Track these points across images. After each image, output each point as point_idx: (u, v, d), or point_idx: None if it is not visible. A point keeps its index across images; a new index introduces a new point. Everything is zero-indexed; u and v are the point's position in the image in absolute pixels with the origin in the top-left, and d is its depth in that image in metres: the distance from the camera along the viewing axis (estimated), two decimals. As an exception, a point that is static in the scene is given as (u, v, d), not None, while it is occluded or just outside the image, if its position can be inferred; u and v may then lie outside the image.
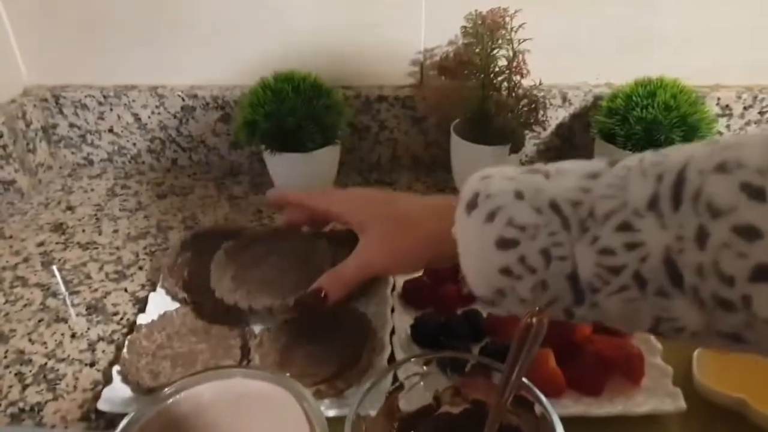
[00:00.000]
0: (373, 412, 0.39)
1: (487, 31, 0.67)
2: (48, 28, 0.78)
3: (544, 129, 0.73)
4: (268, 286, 0.54)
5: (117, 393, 0.47)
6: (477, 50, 0.68)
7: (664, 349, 0.49)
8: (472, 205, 0.35)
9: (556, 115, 0.79)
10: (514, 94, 0.70)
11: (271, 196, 0.58)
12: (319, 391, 0.46)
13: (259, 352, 0.50)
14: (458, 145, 0.73)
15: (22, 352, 0.54)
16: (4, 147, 0.75)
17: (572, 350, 0.48)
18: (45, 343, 0.55)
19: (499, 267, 0.34)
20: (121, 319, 0.58)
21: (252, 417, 0.37)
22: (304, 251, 0.57)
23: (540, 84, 0.70)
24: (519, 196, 0.33)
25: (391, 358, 0.50)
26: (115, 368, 0.49)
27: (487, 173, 0.37)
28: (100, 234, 0.71)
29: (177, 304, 0.56)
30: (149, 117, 0.82)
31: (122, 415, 0.37)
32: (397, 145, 0.82)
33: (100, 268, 0.65)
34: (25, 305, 0.60)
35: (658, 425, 0.46)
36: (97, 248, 0.68)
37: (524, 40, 0.67)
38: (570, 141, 0.80)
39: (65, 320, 0.58)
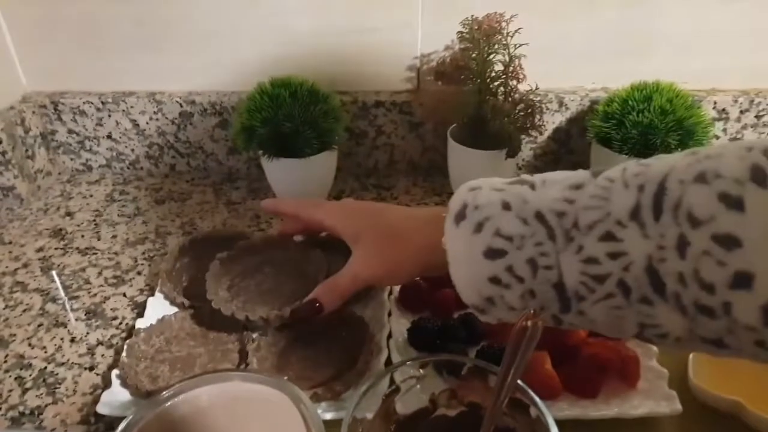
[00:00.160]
0: (369, 415, 0.39)
1: (483, 36, 0.68)
2: (46, 35, 0.79)
3: (541, 133, 0.73)
4: (264, 296, 0.54)
5: (116, 396, 0.48)
6: (473, 55, 0.69)
7: (660, 352, 0.50)
8: (460, 216, 0.36)
9: (553, 120, 0.80)
10: (510, 99, 0.70)
11: (266, 205, 0.58)
12: (316, 395, 0.46)
13: (256, 356, 0.51)
14: (455, 149, 0.73)
15: (22, 356, 0.54)
16: (3, 153, 0.75)
17: (568, 353, 0.49)
18: (44, 347, 0.55)
19: (488, 276, 0.34)
20: (120, 323, 0.58)
21: (249, 419, 0.38)
22: (298, 261, 0.57)
23: (536, 89, 0.71)
24: (506, 207, 0.34)
25: (389, 362, 0.51)
26: (114, 372, 0.50)
27: (476, 184, 0.37)
28: (98, 239, 0.71)
29: (175, 309, 0.57)
30: (147, 123, 0.82)
31: (121, 419, 0.37)
32: (394, 150, 0.83)
33: (99, 273, 0.65)
34: (24, 310, 0.60)
35: (654, 428, 0.46)
36: (96, 253, 0.69)
37: (520, 45, 0.68)
38: (566, 145, 0.81)
39: (64, 325, 0.58)
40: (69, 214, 0.77)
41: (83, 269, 0.66)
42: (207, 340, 0.53)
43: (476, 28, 0.68)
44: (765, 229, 0.26)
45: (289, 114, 0.68)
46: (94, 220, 0.75)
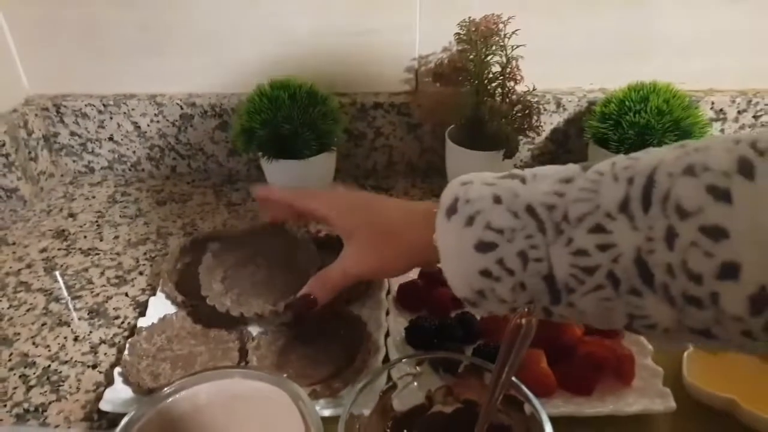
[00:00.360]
0: (366, 412, 0.40)
1: (480, 37, 0.68)
2: (49, 38, 0.80)
3: (538, 134, 0.74)
4: (258, 288, 0.55)
5: (118, 394, 0.48)
6: (471, 57, 0.70)
7: (655, 350, 0.50)
8: (451, 210, 0.36)
9: (551, 121, 0.80)
10: (508, 100, 0.71)
11: (258, 192, 0.57)
12: (314, 392, 0.47)
13: (256, 354, 0.51)
14: (453, 150, 0.74)
15: (26, 355, 0.55)
16: (7, 156, 0.76)
17: (564, 351, 0.49)
18: (48, 346, 0.56)
19: (479, 269, 0.35)
20: (122, 322, 0.59)
21: (248, 416, 0.38)
22: (290, 250, 0.57)
23: (534, 90, 0.71)
24: (497, 200, 0.35)
25: (386, 360, 0.51)
26: (117, 370, 0.50)
27: (467, 179, 0.38)
28: (101, 240, 0.72)
29: (176, 308, 0.57)
30: (148, 125, 0.83)
31: (123, 416, 0.38)
32: (393, 152, 0.84)
33: (102, 274, 0.66)
34: (28, 310, 0.61)
35: (649, 425, 0.46)
36: (98, 254, 0.70)
37: (517, 47, 0.68)
38: (564, 146, 0.82)
39: (68, 324, 0.59)
40: (72, 215, 0.78)
41: (86, 269, 0.67)
42: (208, 339, 0.54)
43: (473, 29, 0.68)
44: (751, 220, 0.26)
45: (288, 116, 0.68)
46: (97, 221, 0.76)
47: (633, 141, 0.68)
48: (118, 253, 0.69)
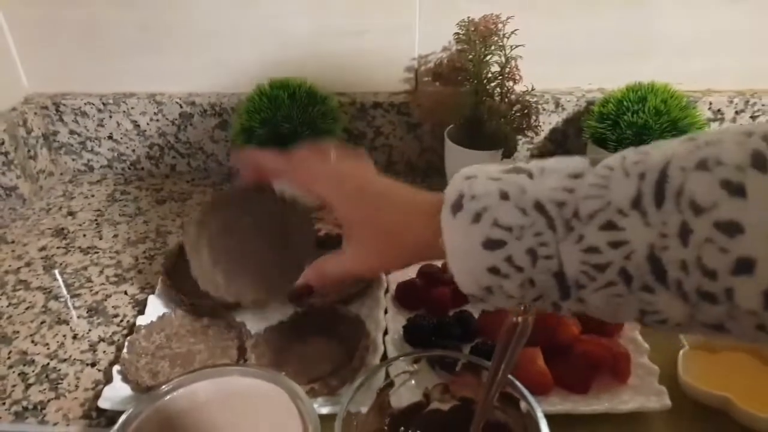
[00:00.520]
0: (364, 409, 0.40)
1: (479, 37, 0.68)
2: (48, 37, 0.80)
3: (537, 134, 0.74)
4: (247, 261, 0.49)
5: (117, 392, 0.49)
6: (470, 57, 0.70)
7: (651, 349, 0.50)
8: (457, 207, 0.36)
9: (549, 120, 0.80)
10: (506, 100, 0.71)
11: (242, 157, 0.49)
12: (313, 390, 0.47)
13: (255, 352, 0.52)
14: (452, 150, 0.74)
15: (25, 353, 0.55)
16: (6, 154, 0.76)
17: (560, 349, 0.49)
18: (47, 344, 0.56)
19: (487, 266, 0.34)
20: (121, 320, 0.59)
21: (246, 413, 0.39)
22: (280, 214, 0.51)
23: (532, 89, 0.71)
24: (504, 196, 0.34)
25: (385, 358, 0.51)
26: (116, 368, 0.51)
27: (471, 172, 0.37)
28: (100, 239, 0.72)
29: (175, 306, 0.58)
30: (148, 124, 0.83)
31: (122, 413, 0.38)
32: (393, 151, 0.84)
33: (101, 272, 0.66)
34: (27, 308, 0.61)
35: (644, 423, 0.47)
36: (97, 252, 0.70)
37: (516, 47, 0.68)
38: (563, 146, 0.82)
39: (67, 322, 0.59)
40: (71, 213, 0.78)
41: (85, 268, 0.67)
42: (206, 337, 0.54)
43: (472, 29, 0.69)
44: (766, 214, 0.26)
45: (287, 115, 0.69)
46: (96, 220, 0.76)
47: (631, 141, 0.68)
48: (117, 252, 0.70)
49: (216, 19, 0.77)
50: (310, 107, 0.70)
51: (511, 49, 0.68)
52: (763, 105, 0.78)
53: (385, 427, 0.41)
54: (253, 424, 0.39)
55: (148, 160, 0.86)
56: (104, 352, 0.55)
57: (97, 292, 0.63)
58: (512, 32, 0.68)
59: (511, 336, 0.36)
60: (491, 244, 0.34)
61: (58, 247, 0.71)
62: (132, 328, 0.56)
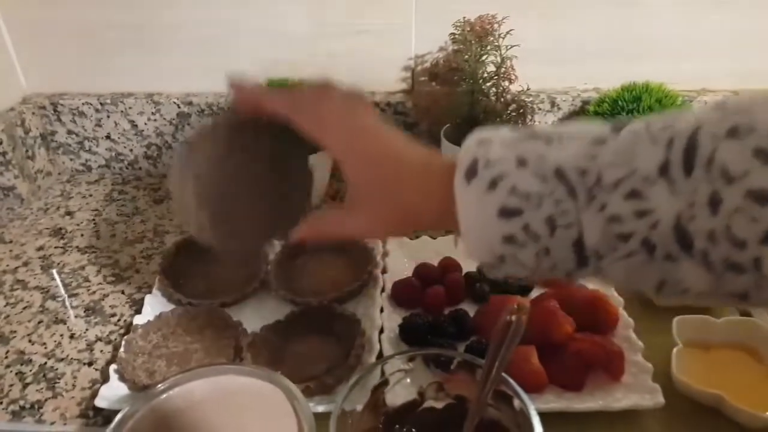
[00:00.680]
0: (359, 407, 0.40)
1: (475, 37, 0.69)
2: (46, 37, 0.80)
3: (533, 133, 0.74)
4: (237, 204, 0.44)
5: (114, 391, 0.49)
6: (466, 57, 0.70)
7: (645, 347, 0.51)
8: (471, 173, 0.34)
9: (545, 120, 0.81)
10: (502, 100, 0.72)
11: (241, 89, 0.42)
12: (308, 388, 0.47)
13: (251, 350, 0.52)
14: (448, 150, 0.74)
15: (22, 352, 0.56)
16: (4, 154, 0.76)
17: (555, 348, 0.50)
18: (45, 343, 0.57)
19: (502, 235, 0.33)
20: (119, 320, 0.59)
21: (242, 412, 0.39)
22: (275, 156, 0.45)
23: (528, 89, 0.72)
24: (521, 163, 0.32)
25: (380, 357, 0.52)
26: (112, 367, 0.51)
27: (484, 137, 0.35)
28: (98, 238, 0.73)
29: (172, 306, 0.58)
30: (146, 124, 0.83)
31: (119, 412, 0.38)
32: (390, 150, 0.84)
33: (98, 272, 0.67)
34: (25, 307, 0.61)
35: (638, 420, 0.47)
36: (95, 252, 0.70)
37: (512, 47, 0.69)
38: (559, 145, 0.82)
39: (64, 321, 0.59)
40: (69, 213, 0.78)
41: (82, 267, 0.67)
42: (203, 336, 0.55)
43: (468, 29, 0.69)
44: None
45: (284, 115, 0.68)
46: (94, 220, 0.77)
47: (626, 140, 0.69)
48: (114, 251, 0.70)
49: (213, 20, 0.78)
50: (307, 107, 0.70)
51: (507, 49, 0.69)
52: (758, 104, 0.78)
53: (380, 426, 0.42)
54: (248, 422, 0.39)
55: (145, 159, 0.87)
56: (101, 351, 0.56)
57: (94, 292, 0.63)
58: (507, 32, 0.68)
59: (505, 335, 0.36)
60: (507, 213, 0.32)
61: (55, 247, 0.71)
62: (129, 328, 0.56)
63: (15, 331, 0.58)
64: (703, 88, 0.81)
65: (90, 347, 0.56)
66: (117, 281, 0.65)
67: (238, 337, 0.54)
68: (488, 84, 0.71)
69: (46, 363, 0.54)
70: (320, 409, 0.46)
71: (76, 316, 0.60)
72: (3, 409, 0.50)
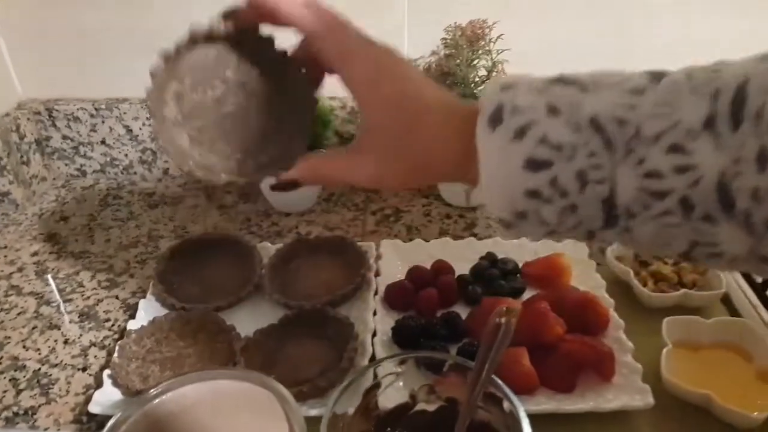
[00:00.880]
0: (350, 410, 0.41)
1: (466, 42, 0.69)
2: (41, 43, 0.80)
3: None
4: (224, 127, 0.39)
5: (108, 396, 0.49)
6: (457, 61, 0.71)
7: (635, 348, 0.51)
8: (495, 120, 0.31)
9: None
10: (494, 103, 0.72)
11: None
12: (301, 392, 0.48)
13: (245, 355, 0.52)
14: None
15: (16, 358, 0.56)
16: (-1, 159, 0.77)
17: (546, 349, 0.50)
18: (39, 349, 0.57)
19: (526, 189, 0.30)
20: (113, 325, 0.60)
21: (233, 416, 0.39)
22: (275, 77, 0.40)
23: (519, 92, 0.72)
24: (553, 111, 0.30)
25: (373, 360, 0.52)
26: (106, 372, 0.51)
27: (509, 82, 0.32)
28: (92, 243, 0.73)
29: (166, 310, 0.58)
30: (140, 128, 0.84)
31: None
32: (383, 153, 0.84)
33: (93, 277, 0.67)
34: (19, 313, 0.62)
35: (628, 420, 0.47)
36: (89, 257, 0.70)
37: (503, 51, 0.69)
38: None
39: (58, 327, 0.60)
40: (63, 218, 0.78)
41: (77, 272, 0.68)
42: (196, 341, 0.55)
43: (460, 34, 0.69)
44: None
45: (277, 119, 0.69)
46: (88, 225, 0.77)
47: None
48: (109, 256, 0.70)
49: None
50: (300, 111, 0.70)
51: (498, 54, 0.69)
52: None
53: (372, 429, 0.42)
54: (239, 426, 0.39)
55: (140, 164, 0.87)
56: (95, 356, 0.56)
57: (88, 297, 0.64)
58: (498, 37, 0.69)
59: (494, 337, 0.36)
60: (535, 165, 0.30)
61: (50, 252, 0.71)
62: (123, 333, 0.56)
63: (9, 337, 0.58)
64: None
65: (84, 352, 0.56)
66: (111, 286, 0.65)
67: (232, 341, 0.54)
68: (480, 88, 0.72)
69: (40, 369, 0.55)
70: (313, 412, 0.47)
71: (70, 322, 0.60)
72: (-3, 414, 0.50)
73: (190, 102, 0.38)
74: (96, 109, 0.83)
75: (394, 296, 0.59)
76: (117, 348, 0.53)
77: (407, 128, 0.35)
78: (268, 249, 0.66)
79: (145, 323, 0.56)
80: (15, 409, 0.51)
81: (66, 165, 0.87)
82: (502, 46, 0.69)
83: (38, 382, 0.53)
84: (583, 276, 0.60)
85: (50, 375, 0.54)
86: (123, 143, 0.85)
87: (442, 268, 0.62)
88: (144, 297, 0.60)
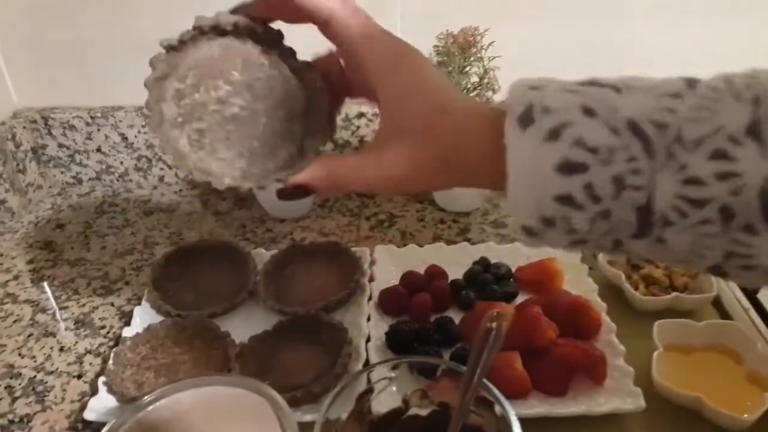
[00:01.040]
0: (343, 415, 0.41)
1: (458, 49, 0.70)
2: (37, 51, 0.81)
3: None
4: (227, 128, 0.37)
5: (103, 403, 0.49)
6: (449, 68, 0.71)
7: (627, 352, 0.52)
8: (527, 120, 0.29)
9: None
10: (486, 109, 0.72)
11: None
12: (295, 398, 0.48)
13: (239, 361, 0.52)
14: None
15: (11, 366, 0.56)
16: (-5, 168, 0.77)
17: (538, 353, 0.50)
18: (34, 356, 0.57)
19: (557, 194, 0.29)
20: (108, 332, 0.60)
21: (227, 422, 0.39)
22: (286, 74, 0.39)
23: (512, 98, 0.73)
24: (588, 112, 0.28)
25: (367, 365, 0.52)
26: (101, 379, 0.51)
27: (536, 82, 0.31)
28: (88, 251, 0.73)
29: (161, 317, 0.58)
30: (136, 136, 0.84)
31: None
32: (378, 159, 0.85)
33: (88, 284, 0.67)
34: (15, 321, 0.62)
35: (620, 423, 0.48)
36: (85, 264, 0.70)
37: (494, 57, 0.70)
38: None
39: (54, 334, 0.60)
40: (59, 226, 0.79)
41: (72, 280, 0.68)
42: (191, 347, 0.55)
43: (452, 41, 0.70)
44: None
45: (271, 126, 0.69)
46: (84, 232, 0.77)
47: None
48: (104, 264, 0.70)
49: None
50: (294, 118, 0.70)
51: (490, 60, 0.70)
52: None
53: (365, 434, 0.42)
54: (233, 432, 0.39)
55: (136, 172, 0.87)
56: (90, 363, 0.56)
57: (84, 304, 0.64)
58: (490, 44, 0.69)
59: (485, 342, 0.36)
60: (568, 168, 0.28)
61: (46, 260, 0.72)
62: (118, 340, 0.57)
63: (5, 345, 0.59)
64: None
65: (79, 360, 0.56)
66: (107, 293, 0.65)
67: (227, 347, 0.54)
68: (473, 94, 0.72)
69: (35, 376, 0.55)
70: (307, 418, 0.47)
71: (65, 329, 0.60)
72: (-8, 422, 0.50)
73: (191, 102, 0.36)
74: (92, 117, 0.83)
75: (388, 301, 0.59)
76: (112, 355, 0.53)
77: (427, 116, 0.34)
78: (262, 255, 0.66)
79: (140, 330, 0.56)
80: (10, 416, 0.51)
81: (62, 173, 0.88)
82: (494, 53, 0.70)
83: (33, 389, 0.53)
84: (576, 280, 0.60)
85: (46, 382, 0.54)
86: (118, 151, 0.86)
87: (435, 273, 0.62)
88: (139, 304, 0.60)
